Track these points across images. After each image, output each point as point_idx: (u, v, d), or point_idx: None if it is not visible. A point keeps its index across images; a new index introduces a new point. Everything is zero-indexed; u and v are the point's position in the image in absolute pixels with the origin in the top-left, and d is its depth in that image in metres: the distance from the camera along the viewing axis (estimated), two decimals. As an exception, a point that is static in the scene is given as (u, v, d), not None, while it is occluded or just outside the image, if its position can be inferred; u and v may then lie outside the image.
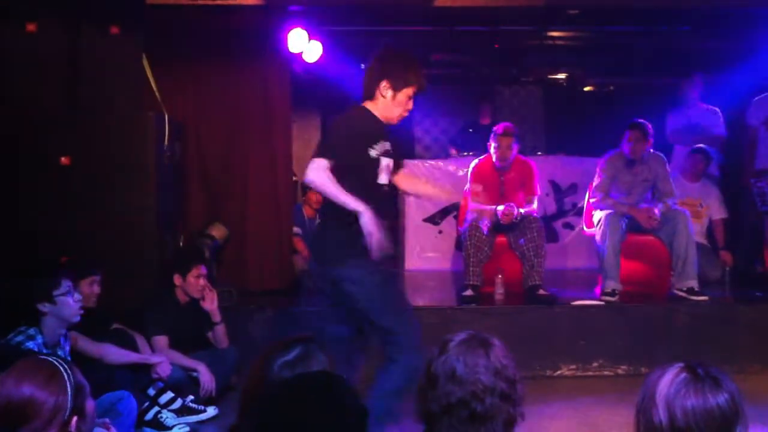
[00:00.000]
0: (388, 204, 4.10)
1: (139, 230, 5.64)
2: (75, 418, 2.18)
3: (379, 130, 3.80)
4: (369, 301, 3.74)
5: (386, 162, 3.82)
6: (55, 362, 2.25)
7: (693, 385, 1.83)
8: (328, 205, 3.78)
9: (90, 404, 2.31)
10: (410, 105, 3.84)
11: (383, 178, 3.82)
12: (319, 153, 3.65)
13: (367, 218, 3.54)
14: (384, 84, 3.75)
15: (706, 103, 7.83)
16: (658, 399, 1.83)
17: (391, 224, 8.36)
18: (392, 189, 4.01)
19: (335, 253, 3.78)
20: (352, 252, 3.68)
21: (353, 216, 3.57)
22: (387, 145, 3.82)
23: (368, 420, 1.74)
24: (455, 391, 2.03)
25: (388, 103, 3.78)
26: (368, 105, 3.84)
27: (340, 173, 3.61)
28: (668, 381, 1.85)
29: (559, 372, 5.68)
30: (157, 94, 6.05)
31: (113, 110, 5.80)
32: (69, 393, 2.17)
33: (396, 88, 3.75)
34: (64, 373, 2.21)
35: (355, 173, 3.67)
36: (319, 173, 3.58)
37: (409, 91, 3.77)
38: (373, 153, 3.73)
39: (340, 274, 3.76)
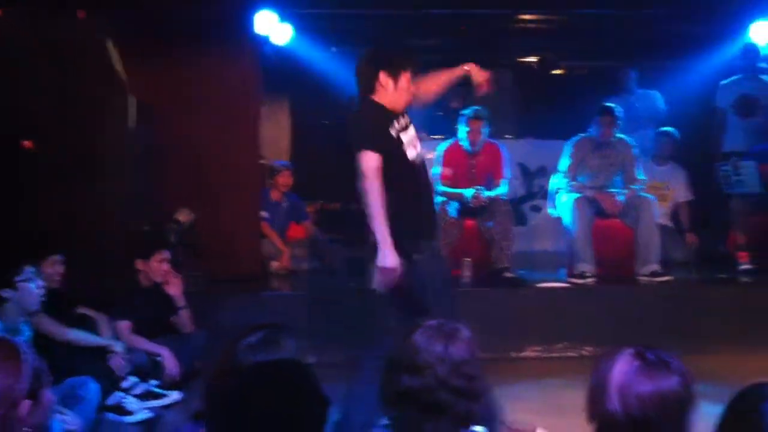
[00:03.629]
0: (428, 183, 4.08)
1: (107, 214, 5.60)
2: (28, 403, 2.15)
3: (390, 112, 3.83)
4: None
5: (408, 137, 3.85)
6: (14, 343, 2.22)
7: (645, 371, 1.82)
8: None
9: (47, 394, 2.28)
10: (413, 88, 3.87)
11: (411, 153, 3.85)
12: (363, 145, 3.65)
13: (385, 254, 3.57)
14: (382, 75, 3.80)
15: (645, 88, 7.93)
16: (610, 387, 1.82)
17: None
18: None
19: None
20: None
21: None
22: (402, 120, 3.83)
23: (329, 409, 1.74)
24: (409, 381, 2.02)
25: (392, 93, 3.82)
26: (372, 96, 3.86)
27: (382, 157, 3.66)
28: (620, 369, 1.83)
29: (524, 353, 5.72)
30: (123, 77, 5.99)
31: (80, 94, 5.73)
32: (25, 376, 2.14)
33: (395, 77, 3.80)
34: (23, 356, 2.18)
35: (388, 158, 3.70)
36: (372, 175, 3.60)
37: (407, 74, 3.83)
38: (393, 132, 3.77)
39: None
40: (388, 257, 3.58)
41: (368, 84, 3.84)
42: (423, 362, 2.03)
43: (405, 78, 3.82)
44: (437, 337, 2.08)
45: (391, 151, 3.74)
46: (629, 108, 7.43)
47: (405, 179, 3.76)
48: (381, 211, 3.59)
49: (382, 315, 3.82)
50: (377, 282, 3.63)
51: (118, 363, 4.57)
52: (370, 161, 3.62)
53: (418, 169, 3.92)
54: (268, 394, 1.64)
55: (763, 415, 1.49)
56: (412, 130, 3.90)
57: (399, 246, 3.63)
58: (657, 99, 7.93)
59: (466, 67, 4.17)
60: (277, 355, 2.07)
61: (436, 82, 4.22)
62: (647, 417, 1.77)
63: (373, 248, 3.65)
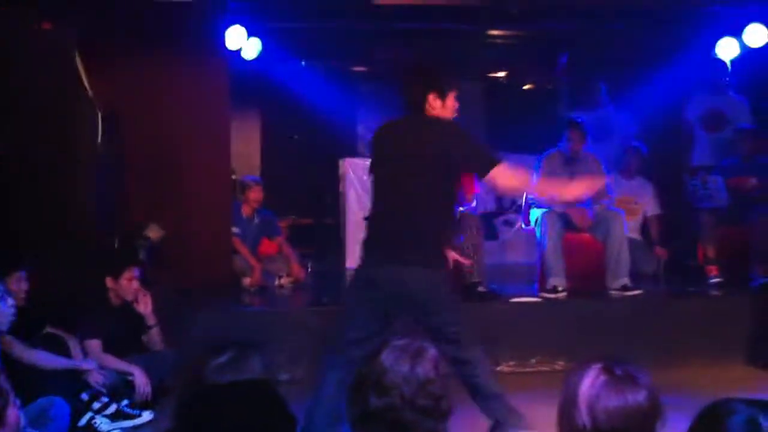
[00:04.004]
0: None
1: (72, 228, 5.53)
2: None
3: None
4: None
5: None
6: None
7: (612, 386, 1.83)
8: None
9: (12, 412, 2.24)
10: (457, 104, 3.97)
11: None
12: (493, 161, 3.77)
13: None
14: (431, 97, 3.88)
15: (616, 101, 8.01)
16: (579, 402, 1.84)
17: (334, 221, 8.39)
18: None
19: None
20: None
21: None
22: None
23: (296, 428, 1.72)
24: (375, 400, 2.02)
25: (439, 112, 3.90)
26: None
27: (447, 176, 3.84)
28: (588, 384, 1.85)
29: (498, 368, 5.69)
30: (89, 89, 5.93)
31: (46, 105, 5.66)
32: None
33: (443, 98, 3.89)
34: None
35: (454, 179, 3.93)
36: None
37: (453, 94, 3.94)
38: None
39: None
40: None
41: (417, 103, 3.92)
42: (389, 382, 2.04)
43: (451, 98, 3.93)
44: (403, 356, 2.09)
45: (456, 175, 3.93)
46: (600, 122, 7.51)
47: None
48: None
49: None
50: None
51: (96, 378, 4.51)
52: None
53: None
54: (237, 414, 1.64)
55: (726, 431, 1.50)
56: None
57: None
58: (627, 113, 8.00)
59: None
60: (245, 374, 2.06)
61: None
62: (615, 431, 1.78)
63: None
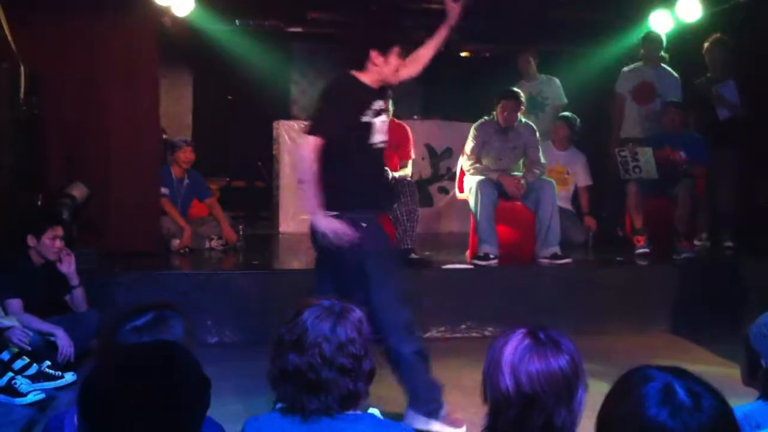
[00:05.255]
0: (382, 166, 4.28)
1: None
2: None
3: (369, 94, 3.91)
4: None
5: (381, 121, 3.95)
6: None
7: (535, 350, 1.85)
8: None
9: None
10: (401, 61, 3.95)
11: (377, 138, 3.95)
12: (311, 129, 3.83)
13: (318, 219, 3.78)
14: (374, 54, 3.86)
15: (548, 73, 8.08)
16: (503, 366, 1.85)
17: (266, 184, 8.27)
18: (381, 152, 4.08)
19: None
20: None
21: None
22: (380, 104, 3.94)
23: (209, 391, 1.67)
24: (294, 359, 2.03)
25: (382, 68, 3.89)
26: (357, 73, 3.92)
27: (331, 142, 3.79)
28: (512, 348, 1.86)
29: (428, 334, 5.73)
30: (12, 44, 5.68)
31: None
32: None
33: (385, 53, 3.87)
34: None
35: (346, 140, 3.83)
36: (311, 157, 3.78)
37: (396, 51, 3.90)
38: (365, 118, 3.87)
39: None
40: (321, 221, 3.78)
41: (358, 60, 3.91)
42: (309, 341, 2.04)
43: (394, 55, 3.90)
44: (326, 316, 2.09)
45: (354, 134, 3.86)
46: (531, 93, 7.55)
47: (362, 161, 3.90)
48: (312, 182, 3.78)
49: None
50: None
51: (19, 336, 4.37)
52: (311, 143, 3.79)
53: (378, 152, 4.01)
54: (141, 375, 1.57)
55: (641, 398, 1.52)
56: (385, 116, 4.03)
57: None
58: (558, 85, 8.07)
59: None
60: (164, 337, 2.01)
61: (425, 54, 4.37)
62: (537, 394, 1.81)
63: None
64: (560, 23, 8.61)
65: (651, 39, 7.44)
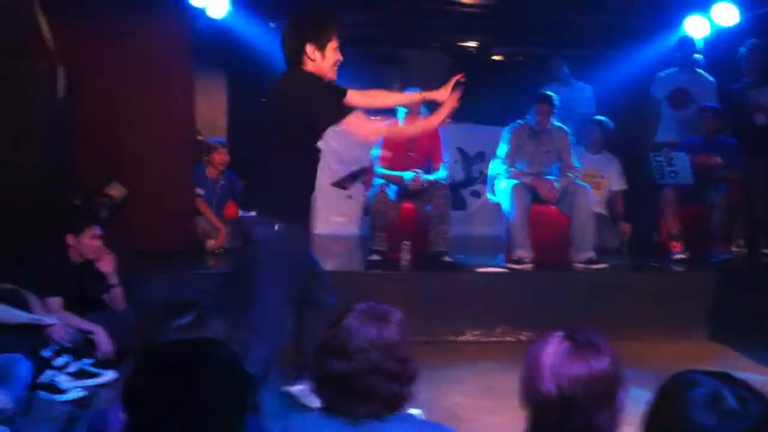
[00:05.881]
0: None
1: (29, 187, 5.40)
2: None
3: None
4: None
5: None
6: None
7: (575, 353, 1.85)
8: None
9: None
10: (339, 55, 3.88)
11: (320, 143, 3.95)
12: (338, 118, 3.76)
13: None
14: (309, 48, 3.80)
15: (578, 78, 8.01)
16: (543, 370, 1.85)
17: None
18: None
19: None
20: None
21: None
22: None
23: (252, 386, 1.69)
24: (340, 364, 2.02)
25: (320, 63, 3.83)
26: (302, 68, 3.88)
27: (291, 131, 3.76)
28: (552, 352, 1.86)
29: (463, 337, 5.73)
30: (50, 45, 5.76)
31: (8, 64, 5.49)
32: None
33: (321, 47, 3.81)
34: None
35: (307, 135, 3.80)
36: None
37: (333, 44, 3.84)
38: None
39: None
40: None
41: (295, 56, 3.83)
42: (355, 346, 2.03)
43: (331, 48, 3.84)
44: (369, 320, 2.08)
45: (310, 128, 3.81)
46: (563, 97, 7.51)
47: (311, 163, 3.90)
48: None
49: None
50: None
51: (60, 334, 4.42)
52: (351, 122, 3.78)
53: (317, 158, 3.98)
54: (189, 372, 1.59)
55: (689, 403, 1.51)
56: None
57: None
58: (590, 93, 8.01)
59: (426, 95, 4.23)
60: (206, 335, 2.03)
61: (385, 101, 4.37)
62: (577, 397, 1.81)
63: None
64: (594, 26, 8.54)
65: (686, 43, 7.38)
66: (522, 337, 5.72)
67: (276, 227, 3.74)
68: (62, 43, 5.95)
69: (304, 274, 4.01)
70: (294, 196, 3.85)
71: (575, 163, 6.52)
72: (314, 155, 3.91)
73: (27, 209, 5.34)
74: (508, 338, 5.75)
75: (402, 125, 4.03)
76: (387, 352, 2.03)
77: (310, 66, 3.82)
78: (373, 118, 7.87)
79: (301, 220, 3.95)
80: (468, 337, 5.74)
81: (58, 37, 5.90)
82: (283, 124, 3.78)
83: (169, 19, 6.55)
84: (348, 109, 3.79)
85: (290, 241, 3.80)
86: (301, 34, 3.83)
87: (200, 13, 6.99)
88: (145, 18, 6.44)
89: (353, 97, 3.95)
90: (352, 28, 9.33)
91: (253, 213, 3.80)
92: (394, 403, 2.05)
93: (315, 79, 3.81)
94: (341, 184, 7.88)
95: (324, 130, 3.90)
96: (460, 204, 7.70)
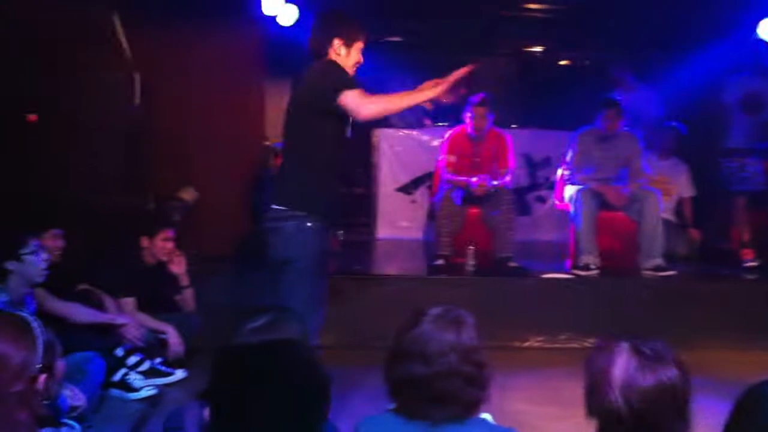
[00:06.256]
0: (342, 164, 4.03)
1: (105, 190, 5.57)
2: (43, 376, 2.14)
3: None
4: None
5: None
6: (26, 318, 2.21)
7: (643, 365, 1.84)
8: None
9: (60, 364, 2.28)
10: (361, 58, 3.87)
11: (348, 131, 3.88)
12: (349, 87, 3.61)
13: None
14: (337, 42, 3.81)
15: (644, 83, 7.86)
16: (612, 383, 1.84)
17: (365, 191, 8.38)
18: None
19: None
20: None
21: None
22: None
23: (330, 387, 1.73)
24: (420, 368, 2.03)
25: (343, 59, 3.82)
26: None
27: (318, 116, 3.67)
28: (621, 366, 1.85)
29: (527, 343, 5.71)
30: (127, 55, 5.94)
31: (84, 70, 5.70)
32: (39, 350, 2.13)
33: (348, 44, 3.82)
34: (36, 330, 2.17)
35: (332, 121, 3.71)
36: (369, 100, 3.62)
37: (359, 44, 3.85)
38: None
39: None
40: None
41: (320, 48, 3.84)
42: (435, 351, 2.04)
43: (357, 47, 3.84)
44: (447, 325, 2.08)
45: (339, 117, 3.72)
46: (627, 103, 7.41)
47: (340, 152, 3.83)
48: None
49: None
50: None
51: (133, 333, 4.55)
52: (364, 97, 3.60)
53: (345, 148, 3.90)
54: (270, 372, 1.64)
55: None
56: None
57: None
58: (653, 96, 7.87)
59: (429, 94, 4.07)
60: (279, 336, 2.07)
61: (400, 103, 4.13)
62: (648, 409, 1.79)
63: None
64: (662, 29, 8.41)
65: (758, 47, 7.21)
66: (587, 344, 5.66)
67: (302, 222, 3.73)
68: (138, 53, 6.14)
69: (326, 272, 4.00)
70: (319, 189, 3.78)
71: (644, 168, 6.42)
72: (339, 145, 3.82)
73: (104, 212, 5.51)
74: (573, 345, 5.69)
75: (399, 93, 3.84)
76: (465, 356, 2.04)
77: (332, 59, 3.82)
78: (439, 124, 7.94)
79: (326, 216, 3.84)
80: (532, 343, 5.72)
81: (135, 47, 6.08)
82: (306, 112, 3.75)
83: (241, 27, 6.70)
84: (349, 84, 3.64)
85: (314, 237, 3.78)
86: (331, 28, 3.85)
87: (271, 21, 7.11)
88: (218, 27, 6.60)
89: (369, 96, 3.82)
90: (420, 36, 9.44)
91: (283, 208, 3.76)
92: (472, 407, 2.06)
93: (336, 64, 3.79)
94: (406, 189, 7.92)
95: (333, 109, 3.69)
96: (524, 209, 7.67)
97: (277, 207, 3.76)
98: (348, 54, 3.82)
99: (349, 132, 3.86)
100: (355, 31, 3.85)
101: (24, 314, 2.25)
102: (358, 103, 3.60)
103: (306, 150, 3.77)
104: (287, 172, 3.85)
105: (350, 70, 3.82)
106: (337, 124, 3.76)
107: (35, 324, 2.19)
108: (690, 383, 1.88)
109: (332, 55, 3.80)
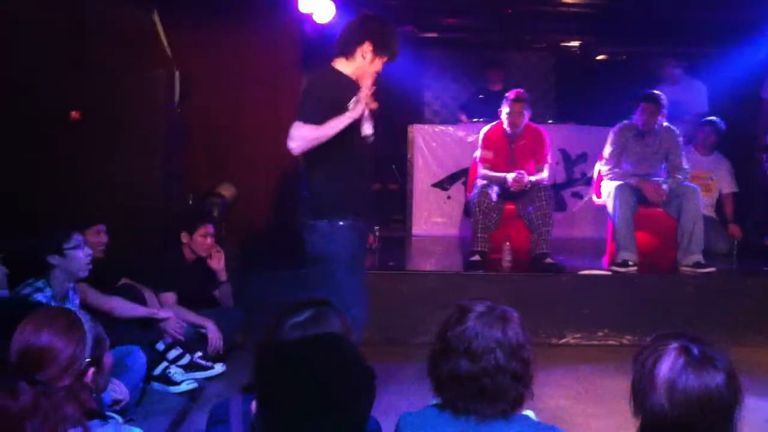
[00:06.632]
0: (370, 159, 4.08)
1: (146, 187, 5.66)
2: (91, 370, 2.19)
3: (352, 85, 3.83)
4: None
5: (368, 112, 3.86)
6: (75, 313, 2.26)
7: (691, 368, 1.83)
8: None
9: (108, 358, 2.32)
10: (381, 69, 3.88)
11: (366, 128, 3.89)
12: (298, 117, 3.75)
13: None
14: (367, 45, 3.82)
15: (692, 77, 7.75)
16: (658, 383, 1.83)
17: (400, 187, 8.39)
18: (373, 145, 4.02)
19: None
20: None
21: None
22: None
23: (374, 381, 1.75)
24: (467, 365, 2.03)
25: (365, 65, 3.85)
26: (340, 62, 3.90)
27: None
28: (668, 366, 1.84)
29: (564, 340, 5.69)
30: (168, 51, 6.02)
31: (124, 67, 5.78)
32: (88, 344, 2.18)
33: (376, 53, 3.84)
34: (85, 324, 2.21)
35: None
36: (298, 135, 3.71)
37: (384, 58, 3.87)
38: (350, 106, 3.77)
39: None
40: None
41: (348, 46, 3.85)
42: (482, 347, 2.04)
43: (382, 60, 3.85)
44: (493, 321, 2.08)
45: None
46: (673, 97, 7.32)
47: (353, 154, 3.85)
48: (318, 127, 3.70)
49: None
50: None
51: (174, 327, 4.62)
52: (297, 130, 3.70)
53: (367, 145, 3.93)
54: (316, 366, 1.66)
55: None
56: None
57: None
58: (701, 90, 7.78)
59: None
60: (322, 330, 2.09)
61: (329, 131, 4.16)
62: (693, 413, 1.79)
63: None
64: (701, 24, 8.31)
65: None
66: (625, 341, 5.63)
67: (335, 221, 3.81)
68: (178, 51, 6.21)
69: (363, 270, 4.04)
70: (341, 189, 3.85)
71: (684, 164, 6.35)
72: (352, 144, 3.83)
73: (147, 208, 5.59)
74: (611, 342, 5.67)
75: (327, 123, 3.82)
76: (511, 353, 2.04)
77: (356, 61, 3.85)
78: (475, 120, 7.91)
79: (357, 214, 3.90)
80: (569, 339, 5.69)
81: (175, 46, 6.15)
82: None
83: (278, 25, 6.74)
84: (302, 114, 3.74)
85: (347, 235, 3.84)
86: (368, 31, 3.86)
87: (307, 18, 7.15)
88: (256, 25, 6.66)
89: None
90: (456, 31, 9.42)
91: (314, 208, 3.86)
92: (517, 404, 2.06)
93: (321, 81, 3.86)
94: (441, 184, 7.92)
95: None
96: (560, 205, 7.62)
97: (309, 207, 3.86)
98: (372, 61, 3.84)
99: (367, 129, 3.88)
100: (388, 43, 3.85)
101: (73, 309, 2.30)
102: (290, 136, 3.72)
103: (317, 152, 3.80)
104: (309, 174, 3.92)
105: (369, 76, 3.82)
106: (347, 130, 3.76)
107: (84, 318, 2.24)
108: (739, 392, 1.86)
109: (356, 58, 3.83)
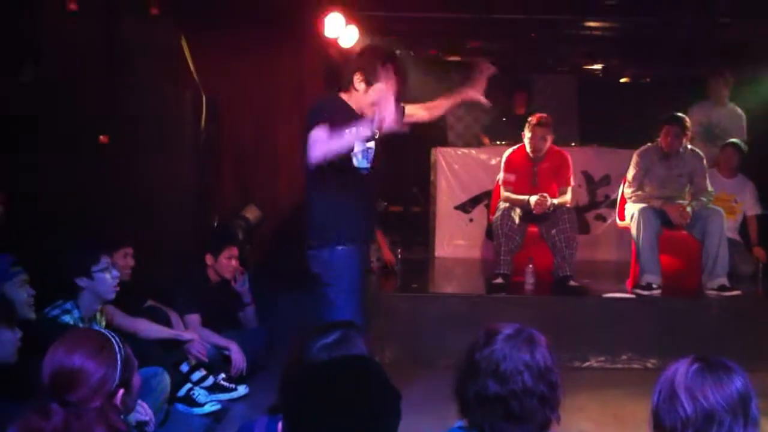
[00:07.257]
0: (369, 188, 4.14)
1: (174, 209, 5.72)
2: (121, 391, 2.22)
3: (351, 115, 3.85)
4: None
5: (362, 147, 3.88)
6: (107, 334, 2.29)
7: (707, 371, 1.87)
8: None
9: (137, 379, 2.35)
10: (374, 99, 3.82)
11: (359, 162, 3.91)
12: (311, 126, 3.74)
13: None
14: (357, 76, 3.86)
15: (734, 102, 7.68)
16: (678, 391, 1.86)
17: (423, 210, 8.41)
18: (374, 175, 4.05)
19: None
20: None
21: None
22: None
23: (400, 403, 1.76)
24: (494, 387, 2.03)
25: (361, 95, 3.88)
26: (343, 95, 3.96)
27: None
28: (684, 372, 1.88)
29: (587, 363, 5.66)
30: (194, 74, 6.11)
31: (152, 89, 5.87)
32: (118, 366, 2.21)
33: (368, 82, 3.85)
34: (115, 346, 2.25)
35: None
36: (317, 137, 3.69)
37: (378, 86, 3.80)
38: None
39: None
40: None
41: (345, 79, 3.91)
42: (510, 369, 2.04)
43: (376, 90, 3.81)
44: (521, 343, 2.09)
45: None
46: (711, 120, 7.28)
47: (346, 183, 3.91)
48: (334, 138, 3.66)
49: None
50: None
51: (199, 349, 4.66)
52: (316, 132, 3.67)
53: (364, 178, 3.96)
54: (344, 387, 1.68)
55: None
56: (370, 144, 3.91)
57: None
58: (742, 118, 7.66)
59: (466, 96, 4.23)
60: (349, 352, 2.11)
61: (437, 109, 4.34)
62: (715, 410, 1.83)
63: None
64: (727, 45, 8.28)
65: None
66: (649, 365, 5.60)
67: (334, 246, 3.93)
68: (207, 75, 6.30)
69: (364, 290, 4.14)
70: (338, 215, 3.94)
71: (708, 187, 6.32)
72: (347, 168, 3.88)
73: (174, 230, 5.65)
74: (635, 365, 5.63)
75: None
76: (539, 376, 2.04)
77: (352, 94, 3.90)
78: (498, 143, 7.93)
79: (354, 239, 3.99)
80: (592, 363, 5.66)
81: (202, 68, 6.25)
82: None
83: (305, 50, 6.83)
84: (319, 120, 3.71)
85: (347, 260, 3.95)
86: (357, 61, 3.94)
87: (332, 43, 7.23)
88: (283, 47, 6.74)
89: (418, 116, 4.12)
90: (484, 55, 9.47)
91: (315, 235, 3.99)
92: (544, 428, 2.06)
93: (330, 102, 3.90)
94: (463, 207, 7.93)
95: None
96: (584, 228, 7.60)
97: (311, 235, 4.00)
98: (366, 91, 3.85)
99: (362, 162, 3.91)
100: (379, 71, 3.78)
101: (104, 330, 2.34)
102: (309, 144, 3.70)
103: (316, 182, 3.93)
104: (308, 201, 4.05)
105: (367, 108, 3.82)
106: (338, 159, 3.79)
107: (115, 340, 2.27)
108: (753, 392, 1.89)
109: (351, 90, 3.89)
